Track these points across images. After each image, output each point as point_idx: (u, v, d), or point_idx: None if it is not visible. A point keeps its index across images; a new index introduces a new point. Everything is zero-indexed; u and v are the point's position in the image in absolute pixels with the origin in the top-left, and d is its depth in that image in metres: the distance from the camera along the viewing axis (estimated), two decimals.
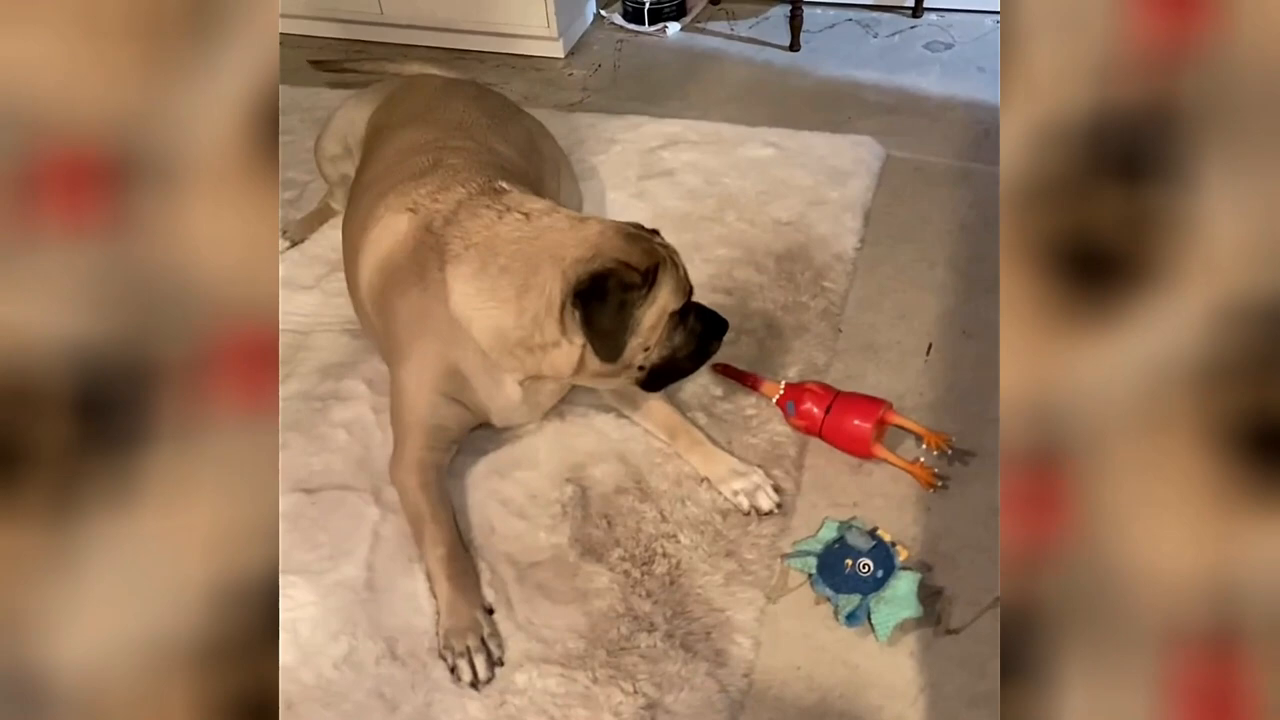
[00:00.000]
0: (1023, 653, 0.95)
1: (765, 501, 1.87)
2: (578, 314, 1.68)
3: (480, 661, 1.64)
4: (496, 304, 1.75)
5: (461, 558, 1.77)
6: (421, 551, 1.79)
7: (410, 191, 1.94)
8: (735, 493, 1.88)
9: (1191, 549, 0.90)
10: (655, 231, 1.83)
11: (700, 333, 1.83)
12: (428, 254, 1.82)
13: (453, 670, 1.65)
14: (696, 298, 2.33)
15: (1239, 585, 0.89)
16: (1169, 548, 0.91)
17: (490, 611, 1.74)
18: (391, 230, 1.91)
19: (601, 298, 1.66)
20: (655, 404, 2.01)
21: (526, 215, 1.79)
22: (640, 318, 1.72)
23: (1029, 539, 0.96)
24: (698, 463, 1.94)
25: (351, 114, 2.51)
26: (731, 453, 1.96)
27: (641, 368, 1.81)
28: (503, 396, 1.88)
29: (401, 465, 1.85)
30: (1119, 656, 0.91)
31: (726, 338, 2.23)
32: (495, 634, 1.69)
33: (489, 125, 2.27)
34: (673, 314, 1.77)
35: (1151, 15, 0.92)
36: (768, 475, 1.91)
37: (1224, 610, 0.90)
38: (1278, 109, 0.89)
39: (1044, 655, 0.94)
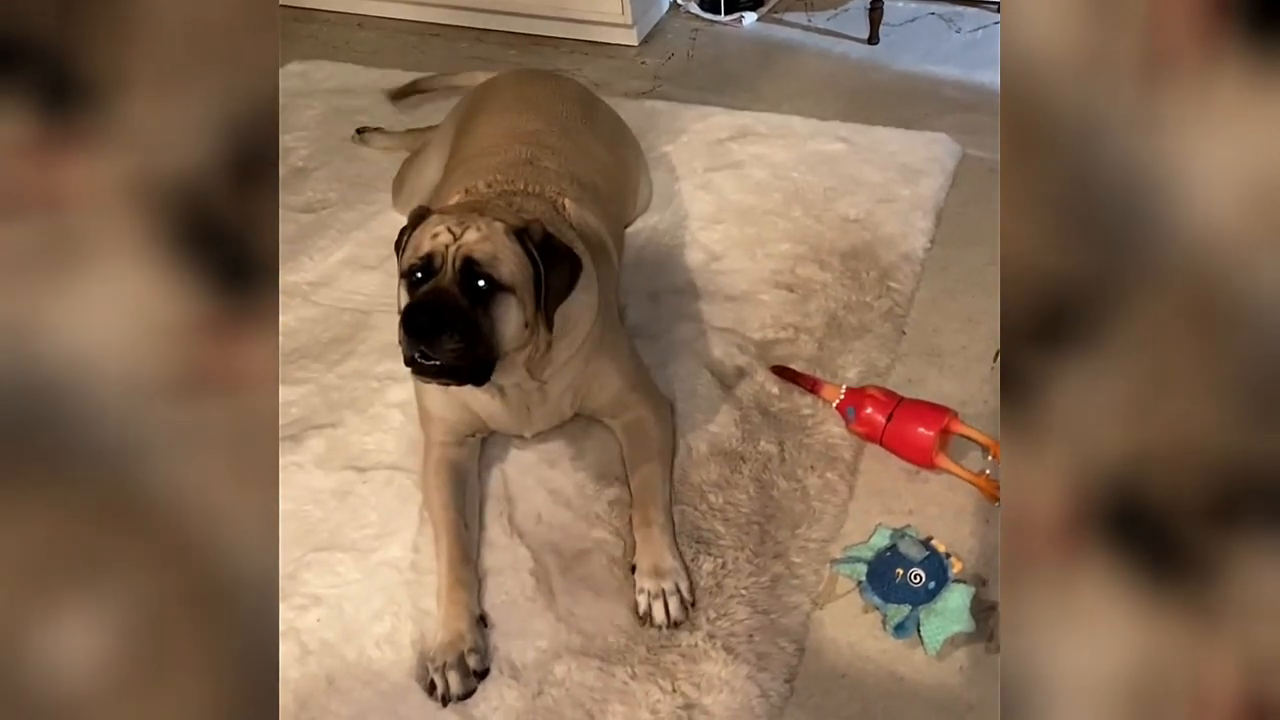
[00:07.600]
0: None
1: (660, 613, 1.67)
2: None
3: (453, 678, 1.59)
4: None
5: (459, 566, 1.73)
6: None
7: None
8: (641, 590, 1.70)
9: None
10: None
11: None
12: None
13: (431, 687, 1.61)
14: (758, 292, 2.33)
15: None
16: None
17: (484, 621, 1.70)
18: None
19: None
20: (644, 465, 1.88)
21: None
22: None
23: None
24: (637, 541, 1.77)
25: (431, 174, 2.48)
26: (675, 550, 1.76)
27: None
28: (484, 398, 1.82)
29: (427, 461, 1.88)
30: None
31: (785, 335, 2.21)
32: (477, 649, 1.63)
33: (581, 116, 2.38)
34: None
35: None
36: (686, 581, 1.72)
37: None
38: None
39: None
